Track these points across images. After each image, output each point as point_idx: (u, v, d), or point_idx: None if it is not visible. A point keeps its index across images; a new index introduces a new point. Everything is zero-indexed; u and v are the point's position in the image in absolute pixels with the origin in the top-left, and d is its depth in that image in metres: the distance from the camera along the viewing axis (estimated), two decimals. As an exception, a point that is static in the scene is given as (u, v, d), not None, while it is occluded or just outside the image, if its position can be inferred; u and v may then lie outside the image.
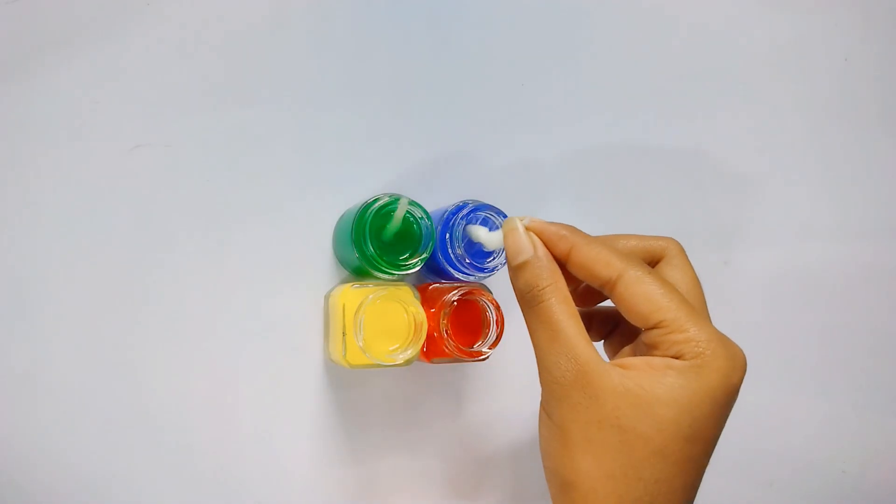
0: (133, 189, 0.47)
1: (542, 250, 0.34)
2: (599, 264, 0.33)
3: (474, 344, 0.46)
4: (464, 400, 0.54)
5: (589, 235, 0.35)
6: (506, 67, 0.56)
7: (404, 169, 0.53)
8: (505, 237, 0.35)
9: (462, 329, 0.46)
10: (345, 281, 0.50)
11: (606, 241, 0.35)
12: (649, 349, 0.32)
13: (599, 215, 0.59)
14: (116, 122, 0.47)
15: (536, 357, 0.33)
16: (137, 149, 0.47)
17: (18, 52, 0.45)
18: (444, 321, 0.45)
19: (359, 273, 0.49)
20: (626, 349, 0.36)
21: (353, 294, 0.45)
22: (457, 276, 0.47)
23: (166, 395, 0.47)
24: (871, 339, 0.65)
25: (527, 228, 0.35)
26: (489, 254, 0.47)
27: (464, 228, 0.45)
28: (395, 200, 0.44)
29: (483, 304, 0.46)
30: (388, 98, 0.53)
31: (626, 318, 0.33)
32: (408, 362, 0.44)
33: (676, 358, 0.31)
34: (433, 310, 0.45)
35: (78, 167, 0.46)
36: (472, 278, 0.47)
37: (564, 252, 0.34)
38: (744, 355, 0.32)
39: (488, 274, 0.47)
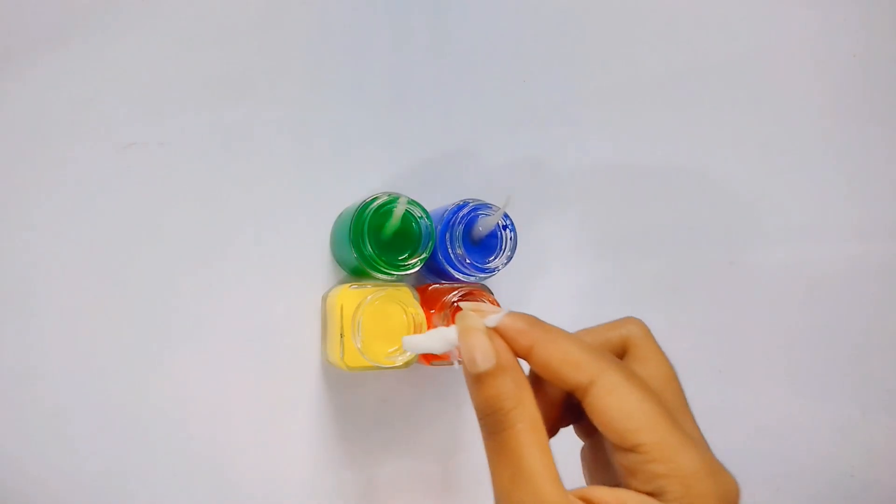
0: (127, 188, 0.47)
1: (506, 357, 0.28)
2: (567, 366, 0.28)
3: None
4: (463, 403, 0.54)
5: (558, 329, 0.29)
6: (507, 63, 0.56)
7: (403, 167, 0.53)
8: (460, 338, 0.29)
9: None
10: (343, 282, 0.50)
11: (576, 338, 0.29)
12: (627, 475, 0.27)
13: (603, 215, 0.58)
14: (110, 119, 0.47)
15: (494, 493, 0.28)
16: (132, 147, 0.47)
17: (10, 49, 0.45)
18: (444, 323, 0.44)
19: (357, 273, 0.49)
20: (601, 460, 0.31)
21: (352, 295, 0.45)
22: (457, 276, 0.47)
23: (160, 398, 0.47)
24: (879, 341, 0.65)
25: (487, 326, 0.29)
26: (490, 254, 0.47)
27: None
28: (394, 199, 0.44)
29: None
30: (387, 94, 0.53)
31: (601, 432, 0.28)
32: (407, 365, 0.44)
33: (656, 496, 0.26)
34: (433, 311, 0.45)
35: (71, 165, 0.46)
36: (472, 279, 0.47)
37: (524, 349, 0.29)
38: (736, 486, 0.27)
39: (489, 274, 0.47)
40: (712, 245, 0.61)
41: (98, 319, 0.46)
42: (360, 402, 0.52)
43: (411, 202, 0.45)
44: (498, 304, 0.47)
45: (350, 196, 0.50)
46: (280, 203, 0.50)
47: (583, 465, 0.33)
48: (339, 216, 0.50)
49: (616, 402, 0.27)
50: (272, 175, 0.50)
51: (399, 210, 0.44)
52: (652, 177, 0.60)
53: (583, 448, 0.33)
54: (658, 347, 0.31)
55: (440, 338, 0.30)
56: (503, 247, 0.47)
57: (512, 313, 0.29)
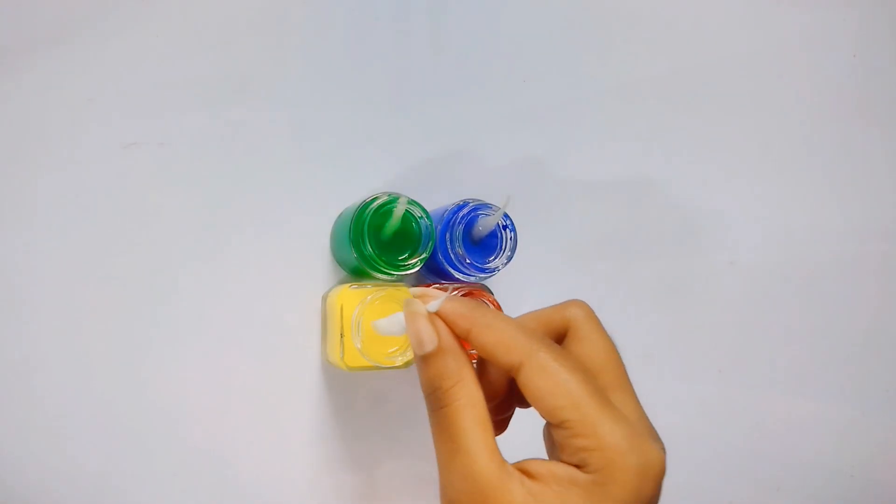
0: (126, 188, 0.47)
1: (447, 339, 0.30)
2: (501, 348, 0.29)
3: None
4: None
5: (496, 313, 0.31)
6: (507, 62, 0.56)
7: (403, 167, 0.53)
8: (407, 322, 0.31)
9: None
10: (343, 282, 0.50)
11: (513, 321, 0.31)
12: (558, 449, 0.29)
13: (604, 215, 0.58)
14: (110, 119, 0.47)
15: (438, 467, 0.30)
16: (131, 147, 0.47)
17: (9, 48, 0.45)
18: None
19: (357, 273, 0.49)
20: (545, 430, 0.33)
21: (351, 295, 0.44)
22: (457, 276, 0.47)
23: (159, 398, 0.47)
24: (880, 342, 0.65)
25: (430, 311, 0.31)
26: (490, 254, 0.47)
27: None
28: (393, 199, 0.44)
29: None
30: (387, 94, 0.53)
31: (535, 409, 0.29)
32: (407, 365, 0.44)
33: (580, 467, 0.28)
34: None
35: (70, 165, 0.46)
36: (472, 279, 0.47)
37: (464, 332, 0.30)
38: (660, 457, 0.28)
39: (489, 274, 0.47)
40: (712, 245, 0.61)
41: (96, 319, 0.46)
42: (360, 402, 0.51)
43: (411, 202, 0.44)
44: (498, 305, 0.47)
45: (350, 196, 0.50)
46: (280, 203, 0.50)
47: (544, 443, 0.34)
48: (339, 216, 0.50)
49: (543, 380, 0.28)
50: (272, 175, 0.50)
51: (399, 210, 0.43)
52: (652, 176, 0.59)
53: (543, 426, 0.34)
54: (600, 328, 0.32)
55: (397, 321, 0.32)
56: (503, 247, 0.47)
57: (453, 298, 0.31)
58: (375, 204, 0.44)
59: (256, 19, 0.50)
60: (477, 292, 0.46)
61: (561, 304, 0.33)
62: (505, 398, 0.34)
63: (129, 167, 0.47)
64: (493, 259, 0.47)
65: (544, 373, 0.28)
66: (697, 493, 0.57)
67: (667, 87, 0.60)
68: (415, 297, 0.32)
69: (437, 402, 0.30)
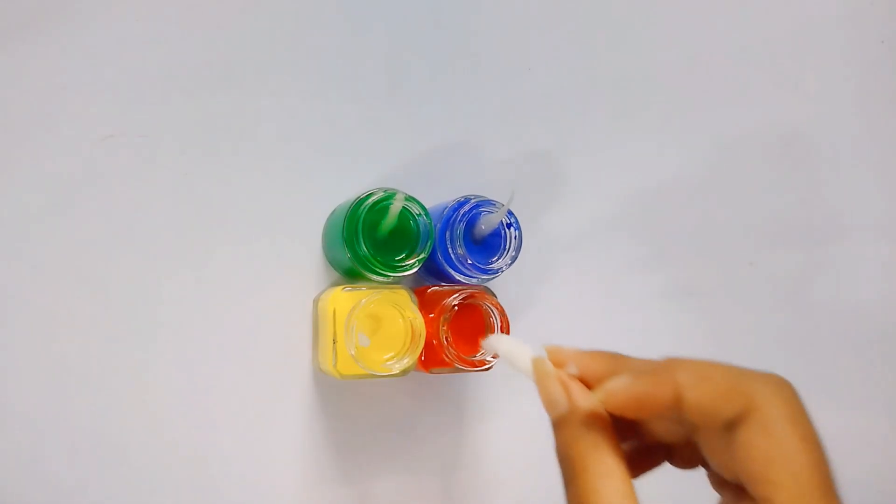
0: (104, 183, 0.46)
1: (580, 405, 0.29)
2: (718, 400, 0.26)
3: (477, 352, 0.45)
4: (465, 414, 0.53)
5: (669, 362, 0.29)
6: (510, 50, 0.55)
7: (400, 161, 0.52)
8: (537, 383, 0.31)
9: (463, 336, 0.45)
10: (335, 284, 0.49)
11: (713, 365, 0.29)
12: None
13: (613, 213, 0.58)
14: (86, 109, 0.46)
15: None
16: (109, 139, 0.46)
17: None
18: (444, 328, 0.44)
19: (351, 275, 0.48)
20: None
21: (345, 298, 0.44)
22: (458, 278, 0.46)
23: (141, 407, 0.46)
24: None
25: (568, 373, 0.30)
26: (493, 254, 0.47)
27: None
28: (390, 196, 0.43)
29: (486, 309, 0.46)
30: (383, 83, 0.52)
31: (727, 473, 0.27)
32: (404, 372, 0.44)
33: None
34: (432, 315, 0.45)
35: (44, 159, 0.45)
36: (474, 280, 0.47)
37: (670, 397, 0.27)
38: None
39: (492, 276, 0.46)
40: (730, 244, 0.60)
41: (73, 325, 0.45)
42: (354, 412, 0.51)
43: (409, 198, 0.44)
44: (502, 309, 0.46)
45: (343, 192, 0.49)
46: (268, 200, 0.49)
47: None
48: (332, 214, 0.49)
49: (766, 442, 0.25)
50: (259, 170, 0.49)
51: (396, 207, 0.43)
52: (665, 172, 0.59)
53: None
54: (801, 428, 0.28)
55: (515, 359, 0.33)
56: (507, 246, 0.47)
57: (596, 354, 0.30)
58: (370, 200, 0.44)
59: (243, 2, 0.49)
60: (479, 296, 0.46)
61: (742, 373, 0.28)
62: (654, 451, 0.32)
63: (106, 161, 0.46)
64: (497, 259, 0.47)
65: (769, 434, 0.25)
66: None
67: (681, 76, 0.60)
68: (548, 352, 0.31)
69: (567, 471, 0.28)
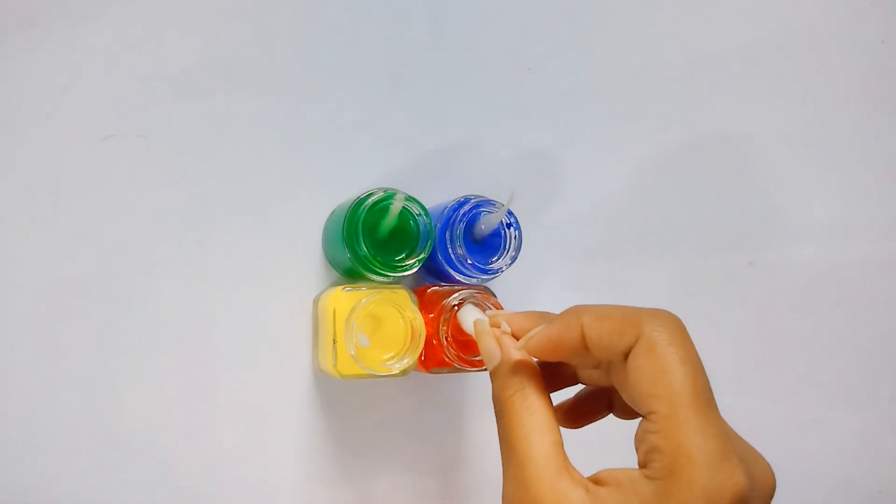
0: (104, 183, 0.46)
1: (509, 355, 0.33)
2: (614, 336, 0.29)
3: (477, 353, 0.45)
4: (465, 414, 0.53)
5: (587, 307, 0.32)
6: (510, 50, 0.55)
7: (401, 160, 0.52)
8: (477, 340, 0.35)
9: (464, 336, 0.45)
10: (335, 284, 0.49)
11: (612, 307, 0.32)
12: (634, 442, 0.29)
13: (613, 212, 0.58)
14: (86, 109, 0.46)
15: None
16: (109, 139, 0.46)
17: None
18: (444, 327, 0.44)
19: (350, 275, 0.48)
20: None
21: (345, 298, 0.44)
22: (458, 278, 0.46)
23: (139, 408, 0.46)
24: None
25: (502, 331, 0.34)
26: (493, 254, 0.47)
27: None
28: (390, 195, 0.43)
29: (487, 309, 0.45)
30: (383, 83, 0.52)
31: (629, 399, 0.29)
32: (404, 372, 0.44)
33: (641, 466, 0.27)
34: (432, 315, 0.45)
35: (44, 159, 0.45)
36: (474, 280, 0.47)
37: (577, 336, 0.30)
38: (738, 485, 0.26)
39: (492, 276, 0.46)
40: (730, 244, 0.60)
41: (72, 324, 0.45)
42: (354, 412, 0.51)
43: (409, 198, 0.44)
44: (501, 307, 0.46)
45: (343, 192, 0.49)
46: (267, 199, 0.49)
47: None
48: (332, 213, 0.49)
49: (648, 363, 0.28)
50: (259, 169, 0.49)
51: (396, 207, 0.43)
52: (665, 171, 0.59)
53: None
54: (682, 354, 0.29)
55: (466, 325, 0.40)
56: (507, 246, 0.47)
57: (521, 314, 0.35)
58: (370, 200, 0.43)
59: (243, 2, 0.49)
60: (479, 294, 0.45)
61: (635, 310, 0.30)
62: (593, 402, 0.36)
63: (106, 161, 0.46)
64: (497, 259, 0.46)
65: (652, 355, 0.28)
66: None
67: (681, 76, 0.59)
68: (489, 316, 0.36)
69: (497, 413, 0.32)
